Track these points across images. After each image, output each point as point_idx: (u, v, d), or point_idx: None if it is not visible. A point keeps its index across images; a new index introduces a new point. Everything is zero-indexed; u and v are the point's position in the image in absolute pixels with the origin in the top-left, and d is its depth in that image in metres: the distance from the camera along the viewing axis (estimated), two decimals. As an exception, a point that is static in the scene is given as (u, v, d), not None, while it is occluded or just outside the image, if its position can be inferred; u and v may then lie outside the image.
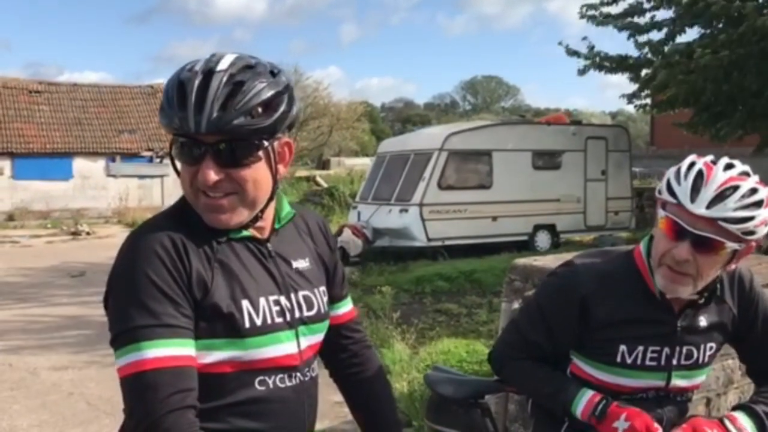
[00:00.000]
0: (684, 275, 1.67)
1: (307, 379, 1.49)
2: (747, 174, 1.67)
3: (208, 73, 1.35)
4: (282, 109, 1.39)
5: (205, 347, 1.35)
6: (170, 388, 1.27)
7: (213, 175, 1.34)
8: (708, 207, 1.60)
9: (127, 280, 1.32)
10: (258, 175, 1.39)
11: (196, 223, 1.40)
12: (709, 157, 1.70)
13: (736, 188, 1.61)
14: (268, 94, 1.36)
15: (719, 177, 1.62)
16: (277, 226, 1.51)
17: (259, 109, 1.35)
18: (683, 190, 1.64)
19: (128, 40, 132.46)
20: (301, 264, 1.53)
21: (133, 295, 1.30)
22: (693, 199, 1.61)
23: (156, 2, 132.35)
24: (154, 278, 1.31)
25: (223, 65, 1.36)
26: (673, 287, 1.70)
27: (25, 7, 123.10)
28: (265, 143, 1.39)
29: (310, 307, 1.50)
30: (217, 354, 1.36)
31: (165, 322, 1.30)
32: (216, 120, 1.31)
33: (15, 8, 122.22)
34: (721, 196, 1.60)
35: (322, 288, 1.57)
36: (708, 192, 1.61)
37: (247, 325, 1.38)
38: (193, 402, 1.30)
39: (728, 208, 1.59)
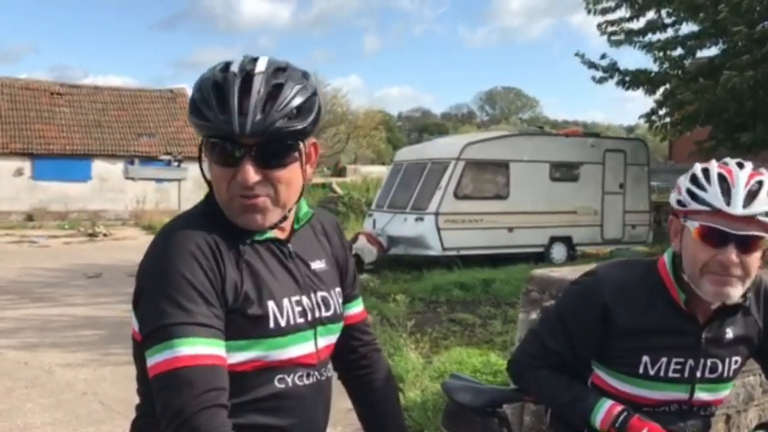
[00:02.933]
0: (733, 278, 1.65)
1: (323, 378, 1.52)
2: (755, 168, 1.70)
3: (247, 75, 1.36)
4: (315, 111, 1.41)
5: (232, 348, 1.35)
6: (205, 386, 1.27)
7: (253, 176, 1.35)
8: (745, 206, 1.60)
9: (163, 278, 1.32)
10: (292, 175, 1.41)
11: (223, 226, 1.41)
12: (713, 162, 1.72)
13: (761, 183, 1.63)
14: (304, 96, 1.39)
15: (742, 175, 1.64)
16: (296, 226, 1.52)
17: (295, 111, 1.37)
18: (714, 196, 1.63)
19: (152, 45, 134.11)
20: (318, 265, 1.55)
21: (168, 294, 1.31)
22: (728, 202, 1.61)
23: (181, 9, 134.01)
24: (190, 278, 1.32)
25: (260, 67, 1.37)
26: (726, 291, 1.66)
27: (53, 12, 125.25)
28: (300, 144, 1.41)
29: (327, 308, 1.52)
30: (243, 354, 1.37)
31: (200, 321, 1.30)
32: (260, 122, 1.33)
33: (43, 13, 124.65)
34: (752, 193, 1.61)
35: (338, 289, 1.59)
36: (739, 191, 1.61)
37: (272, 326, 1.40)
38: (225, 401, 1.30)
39: (763, 203, 1.61)
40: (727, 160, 1.73)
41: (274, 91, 1.35)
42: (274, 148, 1.37)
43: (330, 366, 1.57)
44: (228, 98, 1.33)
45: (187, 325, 1.29)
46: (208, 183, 1.45)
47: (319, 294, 1.52)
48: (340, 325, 1.59)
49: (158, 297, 1.32)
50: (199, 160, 1.43)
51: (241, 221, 1.40)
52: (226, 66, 1.39)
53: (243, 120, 1.32)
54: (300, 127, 1.38)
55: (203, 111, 1.35)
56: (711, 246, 1.64)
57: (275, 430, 1.43)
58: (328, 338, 1.53)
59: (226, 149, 1.36)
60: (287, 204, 1.43)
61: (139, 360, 1.44)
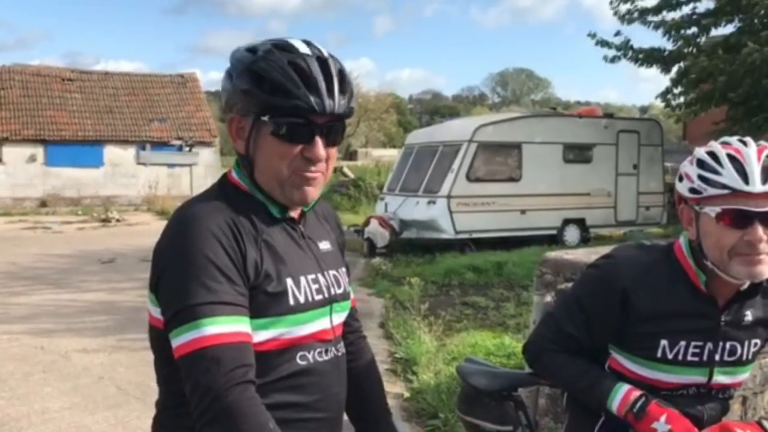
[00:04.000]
0: (762, 255, 1.63)
1: (339, 354, 1.56)
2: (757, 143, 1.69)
3: (319, 58, 1.44)
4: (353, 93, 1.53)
5: (254, 327, 1.37)
6: (233, 363, 1.28)
7: (323, 152, 1.44)
8: (764, 182, 1.59)
9: (185, 259, 1.33)
10: (335, 153, 1.51)
11: (240, 206, 1.44)
12: (714, 143, 1.70)
13: None
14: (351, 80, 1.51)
15: (750, 152, 1.63)
16: (305, 209, 1.55)
17: (352, 94, 1.50)
18: (730, 177, 1.61)
19: (164, 30, 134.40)
20: (325, 246, 1.59)
21: (191, 274, 1.32)
22: (746, 181, 1.59)
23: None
24: (212, 257, 1.33)
25: (324, 52, 1.46)
26: (758, 270, 1.64)
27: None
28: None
29: (338, 286, 1.57)
30: (265, 333, 1.39)
31: (224, 300, 1.32)
32: (345, 103, 1.45)
33: (57, 0, 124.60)
34: (766, 169, 1.60)
35: (343, 269, 1.63)
36: (754, 169, 1.60)
37: (292, 303, 1.42)
38: (253, 378, 1.32)
39: None
40: (728, 139, 1.70)
41: (342, 75, 1.45)
42: (337, 127, 1.47)
43: (342, 343, 1.60)
44: (315, 80, 1.40)
45: (211, 305, 1.30)
46: (242, 158, 1.48)
47: (331, 272, 1.56)
48: (349, 303, 1.64)
49: (181, 278, 1.32)
50: (248, 138, 1.45)
51: (297, 196, 1.46)
52: (292, 47, 1.43)
53: (331, 101, 1.42)
54: (353, 107, 1.49)
55: (291, 90, 1.39)
56: (736, 228, 1.61)
57: (300, 407, 1.45)
58: (340, 315, 1.58)
59: (300, 127, 1.42)
60: (327, 180, 1.52)
61: (158, 347, 1.45)
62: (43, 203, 25.13)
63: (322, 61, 1.43)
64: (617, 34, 12.38)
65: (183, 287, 1.32)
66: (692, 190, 1.67)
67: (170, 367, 1.36)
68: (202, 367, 1.28)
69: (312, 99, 1.39)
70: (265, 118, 1.41)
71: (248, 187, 1.48)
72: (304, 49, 1.43)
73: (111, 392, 5.43)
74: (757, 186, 1.58)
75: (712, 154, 1.65)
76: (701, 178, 1.65)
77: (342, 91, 1.43)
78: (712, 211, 1.63)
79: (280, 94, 1.39)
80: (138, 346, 6.33)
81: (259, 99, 1.40)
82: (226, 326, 1.30)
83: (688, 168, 1.69)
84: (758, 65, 9.58)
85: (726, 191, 1.61)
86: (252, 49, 1.45)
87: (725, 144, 1.67)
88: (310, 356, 1.46)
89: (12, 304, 8.79)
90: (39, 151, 25.65)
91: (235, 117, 1.46)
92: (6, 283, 10.26)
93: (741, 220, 1.60)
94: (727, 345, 1.78)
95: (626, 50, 12.32)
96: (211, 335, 1.28)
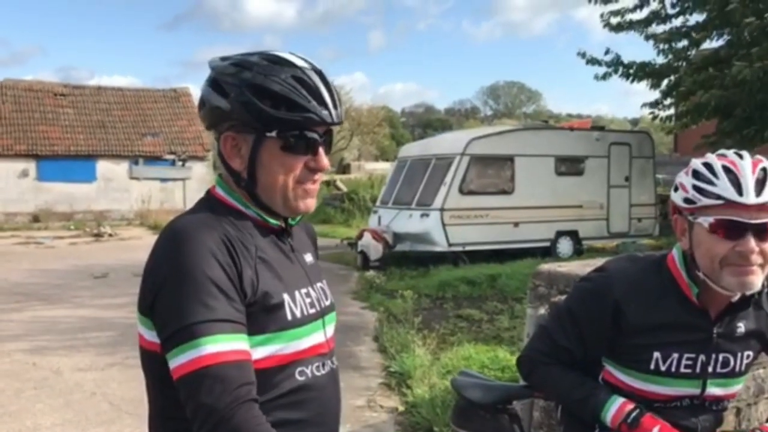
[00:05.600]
0: (753, 266, 1.64)
1: (335, 366, 1.56)
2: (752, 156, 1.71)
3: (315, 70, 1.46)
4: None
5: (252, 344, 1.35)
6: (235, 382, 1.26)
7: (328, 162, 1.49)
8: (757, 195, 1.60)
9: (181, 277, 1.30)
10: None
11: (231, 222, 1.42)
12: (710, 155, 1.72)
13: (765, 170, 1.64)
14: None
15: (745, 165, 1.64)
16: (292, 222, 1.55)
17: None
18: (724, 188, 1.62)
19: (157, 45, 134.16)
20: (309, 258, 1.60)
21: (189, 292, 1.29)
22: (740, 193, 1.61)
23: (186, 8, 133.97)
24: (210, 275, 1.30)
25: (315, 63, 1.48)
26: (749, 281, 1.65)
27: (59, 13, 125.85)
28: None
29: (326, 298, 1.58)
30: (263, 349, 1.37)
31: (223, 317, 1.29)
32: (342, 113, 1.49)
33: (50, 15, 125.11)
34: (760, 181, 1.62)
35: (325, 281, 1.63)
36: (748, 181, 1.61)
37: (290, 318, 1.42)
38: (256, 396, 1.30)
39: None
40: (725, 151, 1.72)
41: (333, 85, 1.48)
42: (331, 136, 1.52)
43: (335, 356, 1.60)
44: (320, 92, 1.43)
45: (210, 323, 1.28)
46: (234, 173, 1.46)
47: (318, 285, 1.56)
48: (335, 314, 1.63)
49: (178, 297, 1.29)
50: (251, 156, 1.43)
51: (302, 206, 1.48)
52: (276, 60, 1.43)
53: (336, 111, 1.46)
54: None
55: (302, 104, 1.41)
56: (729, 239, 1.63)
57: (302, 423, 1.43)
58: (331, 327, 1.58)
59: (309, 138, 1.44)
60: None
61: (152, 371, 1.41)
62: (36, 218, 25.02)
63: (319, 73, 1.45)
64: (607, 52, 12.47)
65: (180, 306, 1.28)
66: (687, 200, 1.69)
67: (167, 393, 1.34)
68: (204, 387, 1.24)
69: (322, 111, 1.43)
70: (272, 134, 1.40)
71: (238, 203, 1.46)
72: (300, 62, 1.44)
73: (103, 408, 5.40)
74: (750, 197, 1.60)
75: (708, 165, 1.67)
76: (696, 188, 1.66)
77: (339, 100, 1.47)
78: (705, 221, 1.65)
79: (289, 109, 1.40)
80: (131, 363, 6.29)
81: (263, 114, 1.38)
82: (226, 344, 1.27)
83: (684, 178, 1.71)
84: (748, 80, 9.64)
85: (720, 201, 1.62)
86: (240, 63, 1.42)
87: (721, 156, 1.69)
88: (308, 371, 1.45)
89: (3, 320, 8.73)
90: (31, 166, 25.56)
91: (229, 135, 1.43)
92: (-3, 299, 10.20)
93: (733, 230, 1.62)
94: (720, 357, 1.79)
95: (616, 66, 12.41)
96: (211, 354, 1.26)
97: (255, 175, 1.44)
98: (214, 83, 1.43)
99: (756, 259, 1.63)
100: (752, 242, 1.61)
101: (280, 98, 1.39)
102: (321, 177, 1.51)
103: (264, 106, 1.38)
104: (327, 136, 1.48)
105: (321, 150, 1.46)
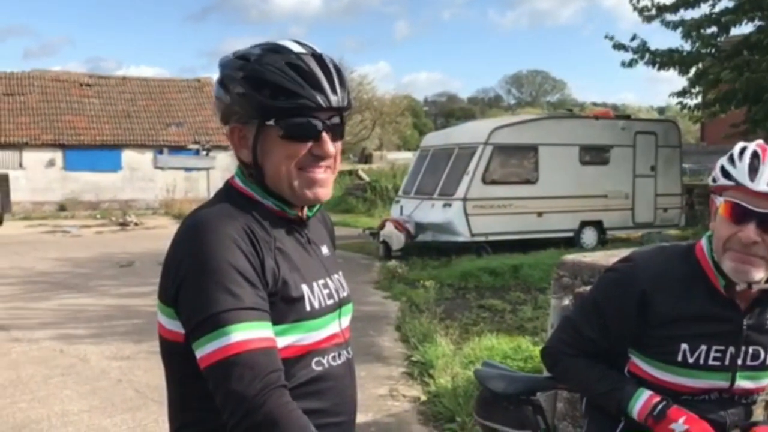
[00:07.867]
0: (754, 257, 1.62)
1: (350, 356, 1.56)
2: None
3: (314, 54, 1.43)
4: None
5: (274, 334, 1.35)
6: (265, 368, 1.26)
7: (332, 148, 1.43)
8: None
9: (205, 267, 1.30)
10: (340, 147, 1.49)
11: (251, 213, 1.42)
12: (759, 141, 1.70)
13: None
14: None
15: None
16: (309, 214, 1.54)
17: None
18: (740, 172, 1.62)
19: (185, 36, 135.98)
20: (325, 250, 1.59)
21: (214, 281, 1.29)
22: (752, 178, 1.59)
23: (213, 1, 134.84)
24: (234, 263, 1.30)
25: (316, 48, 1.45)
26: (745, 270, 1.63)
27: (88, 5, 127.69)
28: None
29: (343, 289, 1.58)
30: (283, 339, 1.37)
31: (248, 305, 1.29)
32: (344, 97, 1.43)
33: (79, 6, 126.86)
34: None
35: (341, 272, 1.62)
36: (766, 169, 1.59)
37: (308, 308, 1.41)
38: (285, 382, 1.30)
39: None
40: None
41: (337, 68, 1.44)
42: (340, 121, 1.46)
43: (350, 346, 1.60)
44: (316, 77, 1.40)
45: (237, 311, 1.28)
46: (247, 166, 1.46)
47: (335, 276, 1.56)
48: (352, 306, 1.63)
49: (203, 286, 1.29)
50: (254, 145, 1.42)
51: (310, 195, 1.44)
52: (283, 48, 1.42)
53: (335, 95, 1.41)
54: (352, 101, 1.48)
55: (295, 90, 1.38)
56: (733, 222, 1.62)
57: (320, 413, 1.43)
58: (347, 318, 1.58)
59: (307, 125, 1.40)
60: (335, 174, 1.50)
61: (174, 361, 1.43)
62: (62, 207, 25.39)
63: (317, 57, 1.42)
64: (633, 38, 12.29)
65: (206, 295, 1.28)
66: (713, 179, 1.70)
67: (186, 383, 1.36)
68: (234, 375, 1.24)
69: (317, 96, 1.39)
70: (271, 122, 1.39)
71: (256, 193, 1.46)
72: (297, 48, 1.42)
73: (129, 395, 5.46)
74: (761, 185, 1.58)
75: (742, 149, 1.67)
76: (721, 167, 1.68)
77: (341, 84, 1.42)
78: (719, 201, 1.65)
79: (284, 96, 1.38)
80: (156, 351, 6.30)
81: (260, 104, 1.38)
82: (253, 332, 1.27)
83: (721, 160, 1.71)
84: None
85: (731, 183, 1.62)
86: (243, 56, 1.43)
87: (762, 144, 1.68)
88: (324, 361, 1.45)
89: (32, 308, 8.87)
90: (58, 155, 25.92)
91: (235, 126, 1.44)
92: (26, 287, 10.36)
93: (738, 214, 1.60)
94: (750, 349, 1.76)
95: (643, 53, 12.23)
96: (239, 341, 1.25)
97: (261, 165, 1.44)
98: (220, 79, 1.45)
99: (758, 250, 1.60)
100: (753, 230, 1.59)
101: (274, 86, 1.38)
102: (332, 165, 1.46)
103: (260, 96, 1.38)
104: (334, 122, 1.43)
105: (325, 136, 1.41)
